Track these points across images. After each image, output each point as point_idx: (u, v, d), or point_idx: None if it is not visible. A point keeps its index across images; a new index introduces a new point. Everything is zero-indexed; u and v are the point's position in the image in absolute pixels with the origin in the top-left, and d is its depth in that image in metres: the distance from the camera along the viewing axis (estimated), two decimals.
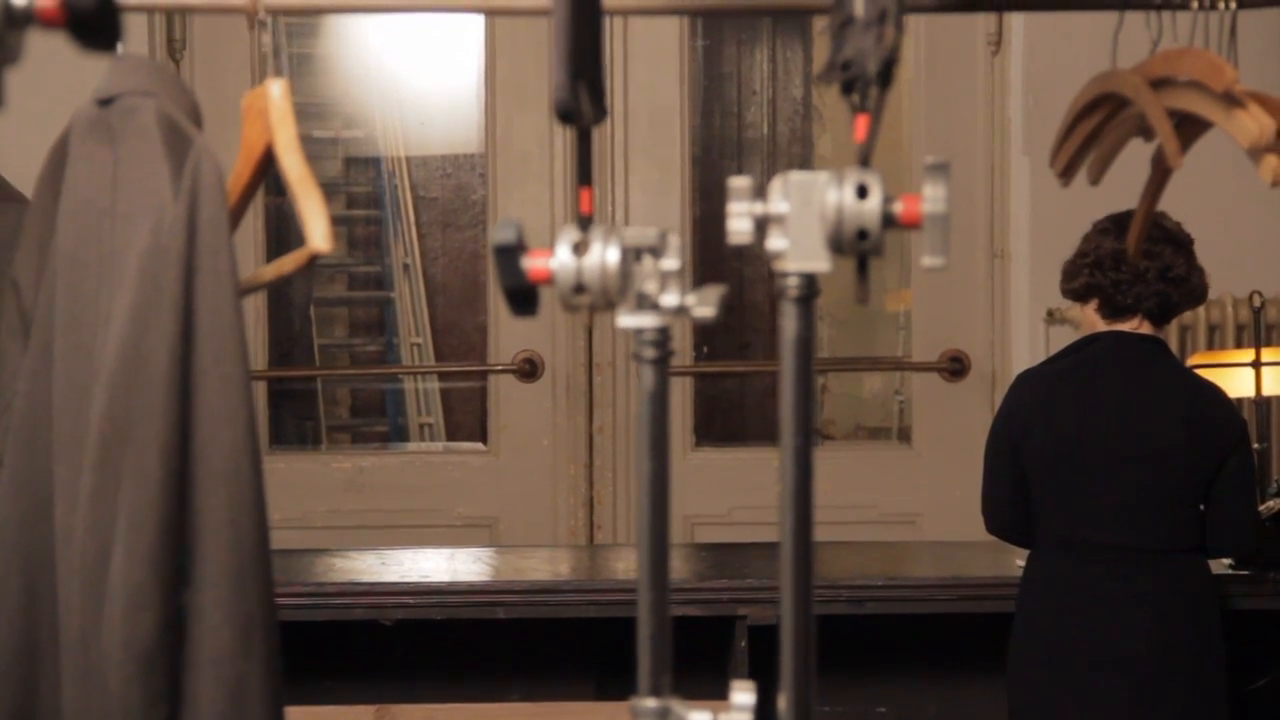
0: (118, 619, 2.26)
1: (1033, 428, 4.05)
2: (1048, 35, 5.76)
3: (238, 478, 2.30)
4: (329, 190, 7.87)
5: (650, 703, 1.99)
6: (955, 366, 6.03)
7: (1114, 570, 4.00)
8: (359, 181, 7.82)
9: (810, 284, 2.00)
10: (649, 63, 6.17)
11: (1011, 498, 4.08)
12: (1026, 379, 4.16)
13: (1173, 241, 4.10)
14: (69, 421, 2.34)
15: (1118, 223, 4.08)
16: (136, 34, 5.77)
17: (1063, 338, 5.94)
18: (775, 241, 1.99)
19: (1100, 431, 4.03)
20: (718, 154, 7.29)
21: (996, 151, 6.10)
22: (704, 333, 6.58)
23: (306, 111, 7.67)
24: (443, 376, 7.42)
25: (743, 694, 2.01)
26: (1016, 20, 5.99)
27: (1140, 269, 4.03)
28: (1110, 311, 4.08)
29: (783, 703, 1.99)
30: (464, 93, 6.85)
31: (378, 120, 7.56)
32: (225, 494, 2.29)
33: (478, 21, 6.30)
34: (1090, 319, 4.14)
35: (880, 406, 7.10)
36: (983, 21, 6.04)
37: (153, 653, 2.26)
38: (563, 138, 6.04)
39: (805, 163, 7.17)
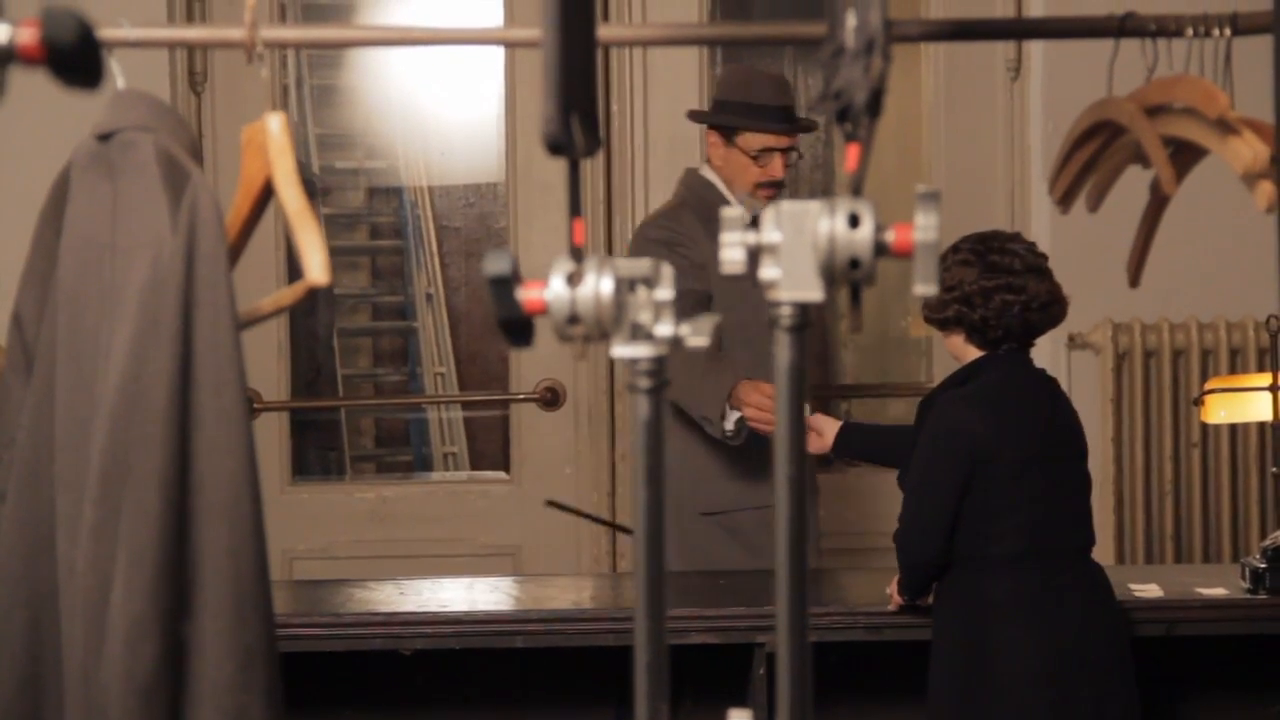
0: (118, 651, 2.28)
1: (1000, 446, 4.06)
2: (1068, 61, 5.76)
3: (237, 509, 2.31)
4: (352, 221, 7.91)
5: None
6: None
7: (1075, 572, 4.12)
8: (382, 212, 7.86)
9: (804, 313, 2.01)
10: (668, 92, 6.18)
11: (952, 524, 4.09)
12: (955, 402, 4.16)
13: (1034, 270, 4.16)
14: (70, 455, 2.36)
15: (978, 252, 4.15)
16: (157, 67, 5.80)
17: (1084, 362, 5.94)
18: (768, 271, 2.00)
19: (1053, 440, 4.15)
20: None
21: (1016, 178, 6.10)
22: None
23: (329, 143, 7.72)
24: (466, 406, 7.44)
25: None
26: (1036, 47, 5.99)
27: (1007, 302, 4.12)
28: (981, 342, 4.17)
29: None
30: (485, 122, 6.88)
31: (400, 151, 7.59)
32: (225, 526, 2.31)
33: (498, 52, 6.33)
34: (958, 346, 4.21)
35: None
36: (1002, 49, 6.05)
37: (153, 685, 2.28)
38: (585, 167, 6.06)
39: (826, 190, 7.17)
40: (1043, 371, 4.28)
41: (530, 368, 6.23)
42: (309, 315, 7.21)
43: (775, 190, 5.13)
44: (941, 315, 4.19)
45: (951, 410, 4.15)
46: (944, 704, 4.07)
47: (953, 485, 4.08)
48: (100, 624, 2.30)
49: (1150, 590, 4.44)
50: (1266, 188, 2.40)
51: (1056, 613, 4.05)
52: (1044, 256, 4.21)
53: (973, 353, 4.18)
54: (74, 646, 2.35)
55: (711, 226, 5.01)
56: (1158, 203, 2.71)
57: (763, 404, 4.80)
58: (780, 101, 5.14)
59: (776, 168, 5.11)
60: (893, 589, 4.30)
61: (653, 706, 2.01)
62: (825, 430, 4.59)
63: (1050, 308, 4.17)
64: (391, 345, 7.86)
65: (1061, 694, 4.00)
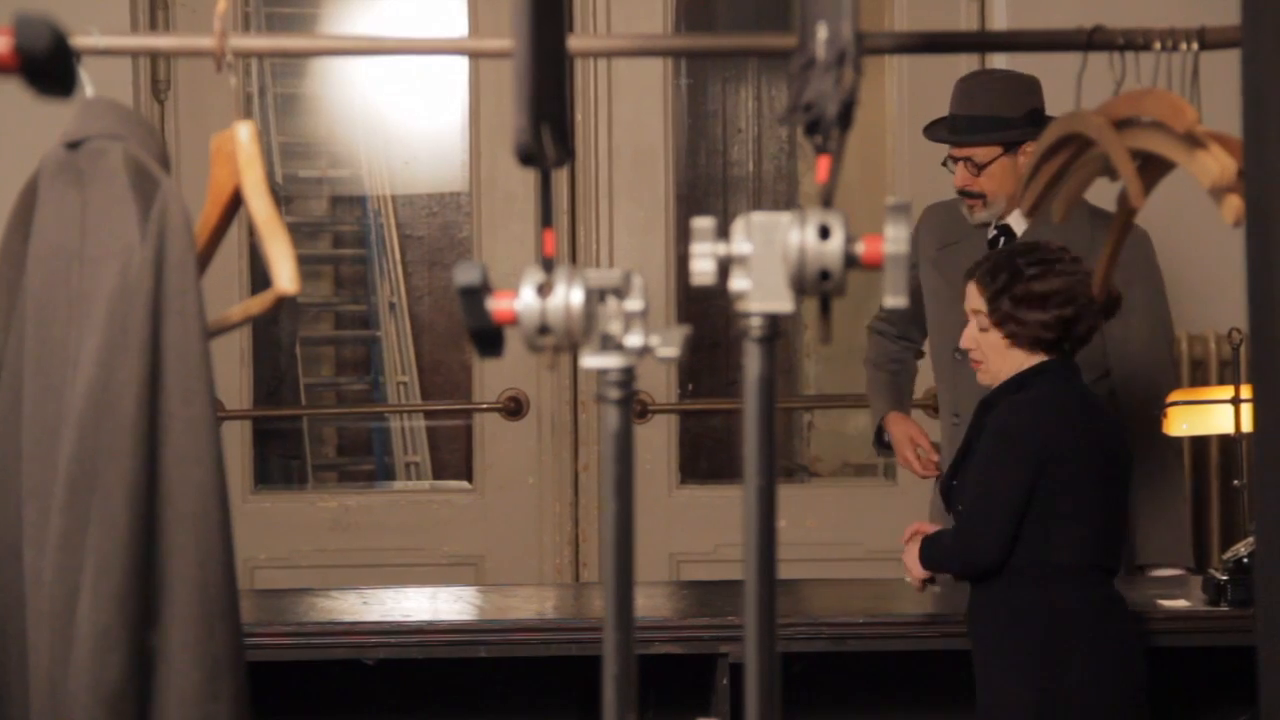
0: (85, 660, 2.27)
1: (1066, 451, 4.05)
2: (1033, 73, 5.78)
3: (206, 519, 2.31)
4: (315, 230, 7.90)
5: None
6: (938, 403, 6.03)
7: (1119, 590, 4.17)
8: (345, 220, 7.85)
9: (773, 324, 2.01)
10: (633, 102, 6.19)
11: (1018, 526, 4.08)
12: (1022, 405, 4.12)
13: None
14: (38, 464, 2.35)
15: (1063, 260, 4.19)
16: (121, 75, 5.79)
17: None
18: (738, 282, 2.00)
19: (1110, 455, 4.16)
20: (703, 193, 7.31)
21: None
22: (689, 371, 6.59)
23: (292, 151, 7.71)
24: (429, 415, 7.44)
25: None
26: (1001, 59, 6.01)
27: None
28: (1033, 348, 4.15)
29: None
30: (449, 132, 6.88)
31: (363, 160, 7.59)
32: (193, 535, 2.30)
33: (462, 62, 6.32)
34: (999, 350, 4.17)
35: (866, 444, 7.10)
36: (966, 60, 6.06)
37: (120, 694, 2.27)
38: (552, 190, 6.05)
39: (791, 201, 7.20)
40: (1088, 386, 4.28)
41: (493, 377, 6.22)
42: (272, 324, 7.20)
43: (972, 200, 5.03)
44: (1035, 319, 4.14)
45: (1019, 411, 4.11)
46: (1016, 709, 4.06)
47: (1020, 486, 4.05)
48: (67, 633, 2.29)
49: None
50: (1234, 202, 2.41)
51: (1122, 626, 4.10)
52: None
53: (1016, 359, 4.16)
54: (40, 656, 2.34)
55: (947, 230, 5.11)
56: (1125, 216, 2.72)
57: (902, 443, 5.23)
58: (951, 110, 5.06)
59: (957, 176, 5.01)
60: (913, 563, 4.25)
61: (620, 717, 2.01)
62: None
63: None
64: (354, 354, 7.85)
65: (1135, 702, 4.07)
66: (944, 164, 5.05)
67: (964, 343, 4.25)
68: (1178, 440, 5.05)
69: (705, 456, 6.77)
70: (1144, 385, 4.95)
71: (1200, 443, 5.91)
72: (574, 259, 6.11)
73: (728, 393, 6.94)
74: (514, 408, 6.21)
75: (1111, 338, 4.86)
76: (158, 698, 2.31)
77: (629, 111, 6.18)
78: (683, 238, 6.33)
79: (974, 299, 4.20)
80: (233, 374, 6.07)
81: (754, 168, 7.47)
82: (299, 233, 7.73)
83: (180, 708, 2.31)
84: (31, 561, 2.36)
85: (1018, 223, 4.95)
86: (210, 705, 2.33)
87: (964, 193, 4.95)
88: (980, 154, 4.94)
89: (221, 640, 2.34)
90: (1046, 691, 3.99)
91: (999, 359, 4.18)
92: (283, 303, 2.46)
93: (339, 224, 7.89)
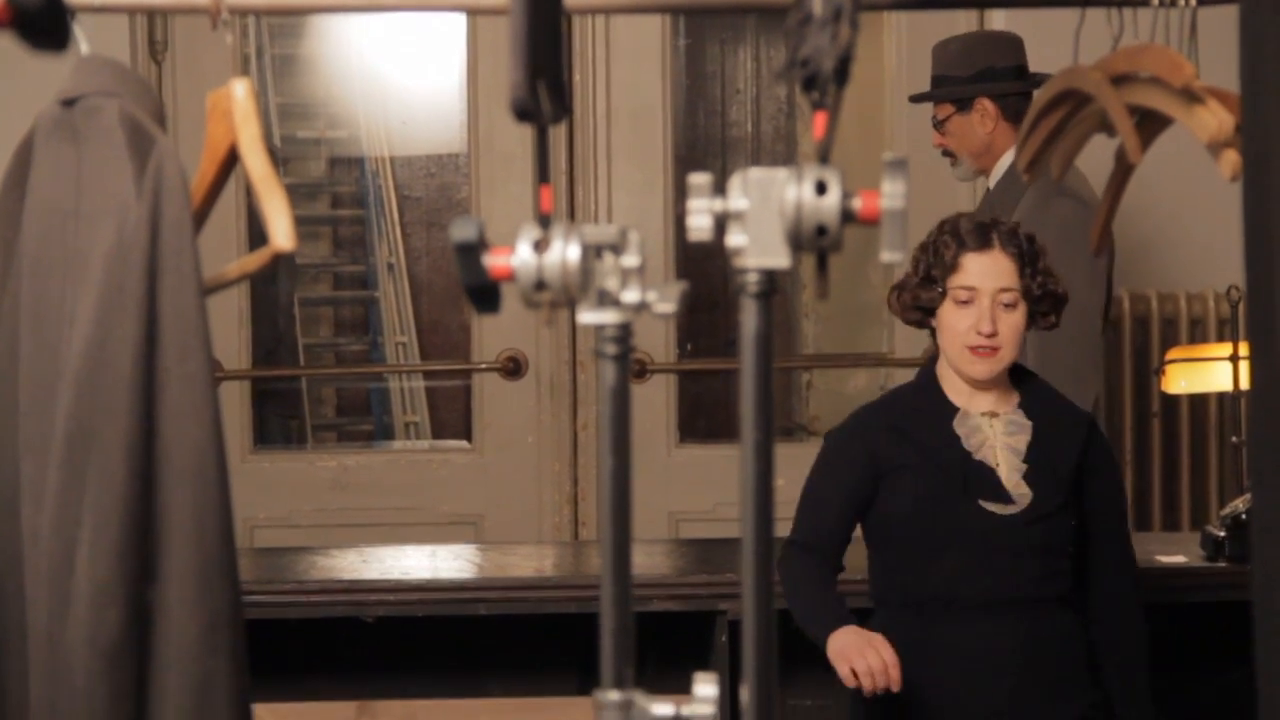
0: (83, 616, 2.27)
1: None
2: (1030, 30, 5.77)
3: (203, 475, 2.31)
4: (313, 190, 7.89)
5: (614, 695, 2.00)
6: None
7: None
8: (343, 181, 7.84)
9: (770, 280, 2.01)
10: (631, 62, 6.17)
11: None
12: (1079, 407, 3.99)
13: None
14: (35, 421, 2.36)
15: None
16: (118, 35, 5.78)
17: None
18: (735, 238, 2.00)
19: None
20: (701, 153, 7.31)
21: None
22: (687, 331, 6.59)
23: (290, 112, 7.70)
24: (427, 375, 7.44)
25: (705, 686, 2.02)
26: (999, 15, 5.99)
27: None
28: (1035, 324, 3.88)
29: (745, 694, 1.99)
30: (447, 93, 6.87)
31: (361, 120, 7.58)
32: (190, 492, 2.31)
33: (460, 21, 6.31)
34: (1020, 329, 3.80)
35: (865, 402, 7.10)
36: (964, 16, 6.05)
37: (118, 649, 2.28)
38: (549, 146, 6.04)
39: (789, 160, 7.19)
40: None
41: (492, 337, 6.22)
42: (270, 284, 7.20)
43: (949, 158, 5.12)
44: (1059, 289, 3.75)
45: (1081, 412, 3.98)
46: None
47: None
48: (65, 589, 2.30)
49: None
50: (1231, 157, 2.41)
51: None
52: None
53: (1019, 346, 3.76)
54: (39, 612, 2.35)
55: None
56: (1123, 171, 2.72)
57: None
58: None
59: (933, 135, 5.15)
60: None
61: (618, 671, 2.01)
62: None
63: None
64: (353, 314, 7.85)
65: None
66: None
67: (986, 327, 3.69)
68: None
69: (704, 416, 6.78)
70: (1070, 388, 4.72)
71: (1198, 400, 5.91)
72: (573, 218, 6.11)
73: (726, 353, 6.93)
74: (513, 368, 6.21)
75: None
76: (156, 653, 2.32)
77: (627, 72, 6.17)
78: (681, 198, 6.33)
79: (997, 271, 3.69)
80: (231, 334, 6.07)
81: (752, 128, 7.46)
82: (297, 193, 7.72)
83: (179, 662, 2.32)
84: (29, 518, 2.37)
85: (994, 180, 5.03)
86: (209, 660, 2.33)
87: (942, 152, 5.11)
88: (938, 113, 5.10)
89: (220, 595, 2.34)
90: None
91: (1015, 346, 3.74)
92: (279, 260, 2.46)
93: (337, 185, 7.88)
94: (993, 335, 3.68)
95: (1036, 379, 3.87)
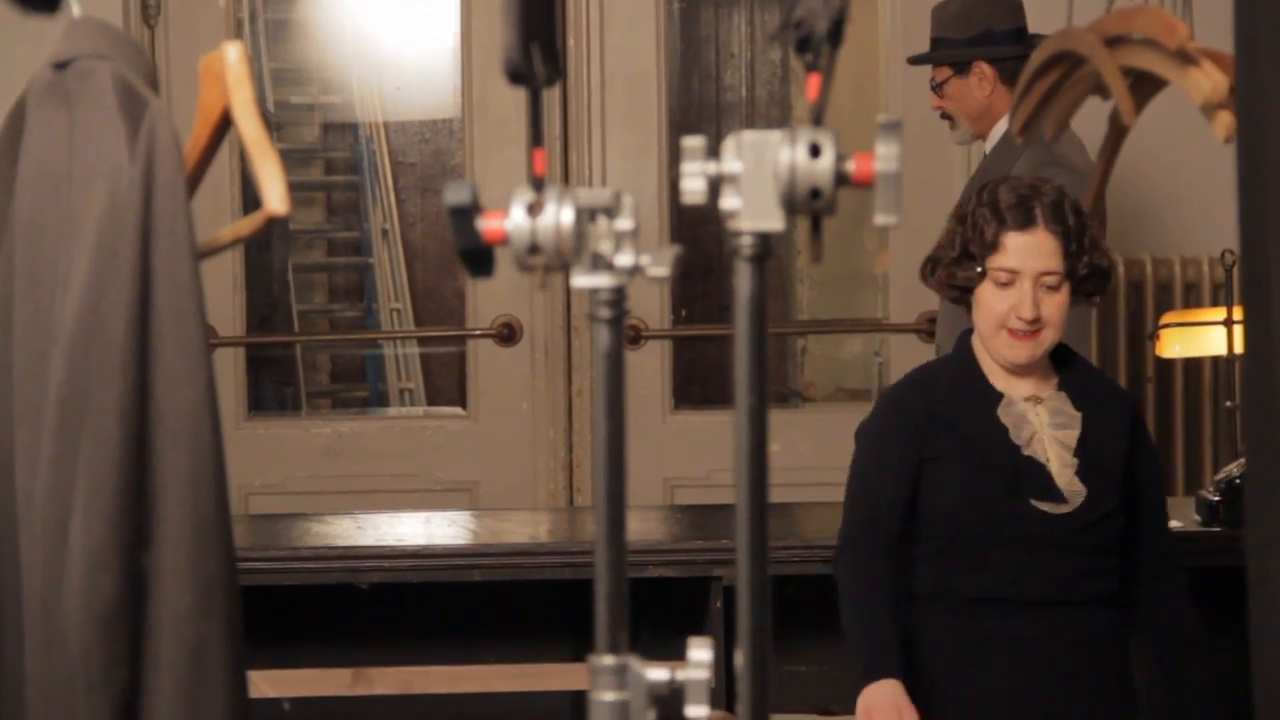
0: (78, 581, 2.27)
1: None
2: None
3: (197, 440, 2.31)
4: (307, 156, 7.88)
5: (608, 660, 2.00)
6: (932, 328, 6.02)
7: None
8: (337, 147, 7.83)
9: (764, 243, 2.00)
10: (625, 26, 6.16)
11: None
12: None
13: None
14: (29, 386, 2.36)
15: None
16: (110, 0, 5.77)
17: None
18: (728, 201, 1.99)
19: None
20: (696, 118, 7.30)
21: None
22: (682, 297, 6.59)
23: (283, 77, 7.68)
24: (422, 341, 7.44)
25: (699, 650, 2.02)
26: None
27: None
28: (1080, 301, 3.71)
29: (740, 659, 1.99)
30: (441, 58, 6.85)
31: (355, 86, 7.56)
32: (185, 456, 2.30)
33: None
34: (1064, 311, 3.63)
35: (860, 368, 7.12)
36: None
37: (113, 614, 2.28)
38: (541, 104, 6.03)
39: (783, 125, 7.16)
40: None
41: (486, 303, 6.22)
42: (264, 251, 7.19)
43: (947, 121, 5.16)
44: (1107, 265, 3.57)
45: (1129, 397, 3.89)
46: None
47: None
48: (60, 554, 2.30)
49: None
50: (1225, 118, 2.41)
51: None
52: None
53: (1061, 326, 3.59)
54: (34, 577, 2.35)
55: None
56: (1116, 134, 2.72)
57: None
58: None
59: (931, 99, 5.18)
60: None
61: (613, 636, 2.01)
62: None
63: None
64: (347, 281, 7.84)
65: None
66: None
67: (1027, 312, 3.51)
68: None
69: (699, 382, 6.78)
70: None
71: (1193, 365, 5.92)
72: (567, 183, 6.10)
73: (720, 319, 6.93)
74: (507, 334, 6.21)
75: None
76: (151, 617, 2.32)
77: (621, 36, 6.16)
78: (675, 163, 6.32)
79: (1040, 251, 3.49)
80: (226, 301, 6.06)
81: (747, 93, 7.45)
82: (290, 159, 7.71)
83: (173, 627, 2.32)
84: (23, 483, 2.36)
85: (990, 145, 5.04)
86: (203, 624, 2.33)
87: (940, 115, 5.12)
88: (936, 76, 5.10)
89: (214, 560, 2.34)
90: None
91: (1058, 328, 3.55)
92: (273, 224, 2.45)
93: (331, 150, 7.87)
94: (1035, 320, 3.50)
95: (1075, 356, 3.70)
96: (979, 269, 3.49)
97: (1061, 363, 3.66)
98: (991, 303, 3.51)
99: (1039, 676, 3.59)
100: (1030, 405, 3.60)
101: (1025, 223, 3.43)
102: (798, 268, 7.21)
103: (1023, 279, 3.46)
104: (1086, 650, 3.61)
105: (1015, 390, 3.60)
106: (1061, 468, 3.56)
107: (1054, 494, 3.56)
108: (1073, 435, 3.59)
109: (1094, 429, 3.60)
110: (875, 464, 3.67)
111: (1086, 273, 3.48)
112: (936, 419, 3.59)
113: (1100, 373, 3.73)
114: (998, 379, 3.62)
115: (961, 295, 3.58)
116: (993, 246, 3.46)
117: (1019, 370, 3.59)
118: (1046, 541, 3.56)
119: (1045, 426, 3.58)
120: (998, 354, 3.57)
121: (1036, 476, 3.56)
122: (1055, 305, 3.48)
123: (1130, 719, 3.72)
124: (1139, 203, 5.76)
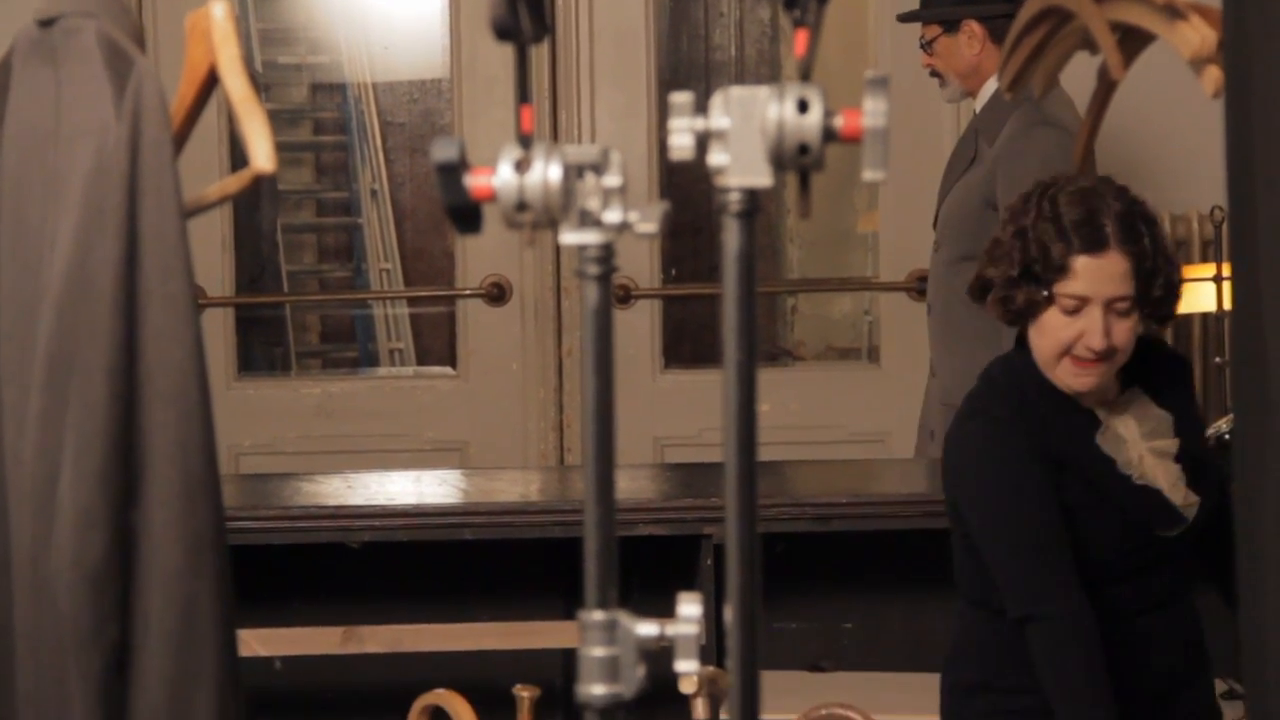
0: (67, 539, 2.28)
1: None
2: None
3: (185, 398, 2.31)
4: (295, 116, 7.87)
5: (598, 615, 2.00)
6: (922, 286, 6.01)
7: None
8: (326, 107, 7.81)
9: (752, 199, 2.00)
10: None
11: None
12: None
13: None
14: (16, 344, 2.35)
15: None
16: None
17: None
18: (716, 157, 1.99)
19: None
20: (684, 76, 7.29)
21: None
22: (671, 256, 6.58)
23: (271, 37, 7.66)
24: (411, 302, 7.43)
25: (689, 605, 2.02)
26: None
27: None
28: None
29: (729, 615, 2.00)
30: (429, 18, 6.84)
31: (343, 46, 7.54)
32: (173, 414, 2.30)
33: None
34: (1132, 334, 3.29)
35: (850, 327, 7.12)
36: None
37: (102, 572, 2.28)
38: (531, 58, 6.02)
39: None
40: None
41: (476, 263, 6.21)
42: (253, 211, 7.18)
43: (937, 78, 5.15)
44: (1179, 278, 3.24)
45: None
46: None
47: None
48: (49, 512, 2.30)
49: None
50: (1214, 73, 2.41)
51: None
52: None
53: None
54: (23, 535, 2.35)
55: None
56: (1105, 89, 2.71)
57: None
58: None
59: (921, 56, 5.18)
60: None
61: (602, 591, 2.01)
62: None
63: None
64: (336, 241, 7.84)
65: None
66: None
67: (1098, 343, 3.14)
68: None
69: (689, 341, 6.78)
70: None
71: (1183, 321, 5.92)
72: (555, 140, 6.09)
73: (710, 277, 6.93)
74: (496, 294, 6.20)
75: None
76: (140, 575, 2.32)
77: None
78: (664, 122, 6.30)
79: (1112, 276, 3.13)
80: (214, 261, 6.06)
81: (735, 51, 7.44)
82: (279, 119, 7.69)
83: (162, 585, 2.32)
84: (12, 441, 2.36)
85: (980, 103, 5.04)
86: (193, 582, 2.34)
87: (930, 72, 5.12)
88: (926, 33, 5.10)
89: (203, 518, 2.34)
90: None
91: (1127, 352, 3.20)
92: (261, 185, 2.45)
93: (319, 111, 7.85)
94: (1105, 350, 3.15)
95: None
96: (1045, 294, 3.14)
97: None
98: (1056, 329, 3.16)
99: (1151, 678, 3.28)
100: (1119, 420, 3.25)
101: (1096, 244, 3.10)
102: (788, 227, 7.21)
103: (1092, 306, 3.12)
104: (1185, 647, 3.34)
105: (1100, 405, 3.26)
106: (1173, 486, 3.23)
107: (1175, 518, 3.24)
108: (1170, 444, 3.25)
109: (1181, 421, 3.28)
110: (1022, 508, 3.21)
111: (1161, 294, 3.16)
112: (1046, 459, 3.21)
113: (1149, 340, 3.35)
114: (1085, 397, 3.25)
115: (1018, 319, 3.23)
116: (1060, 270, 3.11)
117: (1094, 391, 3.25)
118: (1167, 558, 3.28)
119: (1140, 441, 3.24)
120: (1060, 381, 3.21)
121: (1154, 506, 3.23)
122: (1126, 330, 3.15)
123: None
124: (1128, 159, 5.75)
